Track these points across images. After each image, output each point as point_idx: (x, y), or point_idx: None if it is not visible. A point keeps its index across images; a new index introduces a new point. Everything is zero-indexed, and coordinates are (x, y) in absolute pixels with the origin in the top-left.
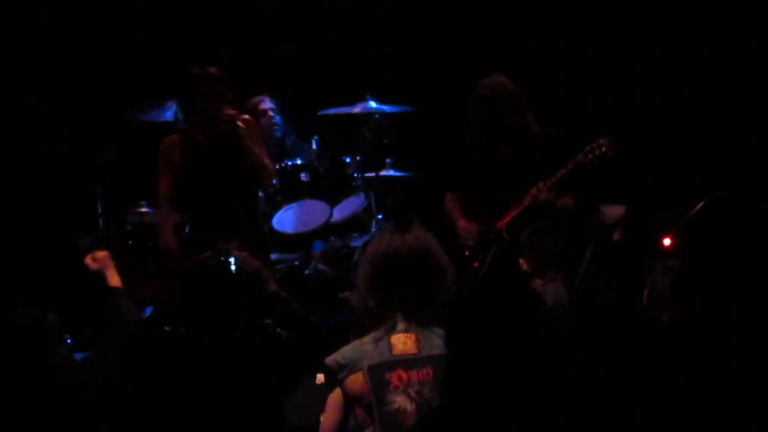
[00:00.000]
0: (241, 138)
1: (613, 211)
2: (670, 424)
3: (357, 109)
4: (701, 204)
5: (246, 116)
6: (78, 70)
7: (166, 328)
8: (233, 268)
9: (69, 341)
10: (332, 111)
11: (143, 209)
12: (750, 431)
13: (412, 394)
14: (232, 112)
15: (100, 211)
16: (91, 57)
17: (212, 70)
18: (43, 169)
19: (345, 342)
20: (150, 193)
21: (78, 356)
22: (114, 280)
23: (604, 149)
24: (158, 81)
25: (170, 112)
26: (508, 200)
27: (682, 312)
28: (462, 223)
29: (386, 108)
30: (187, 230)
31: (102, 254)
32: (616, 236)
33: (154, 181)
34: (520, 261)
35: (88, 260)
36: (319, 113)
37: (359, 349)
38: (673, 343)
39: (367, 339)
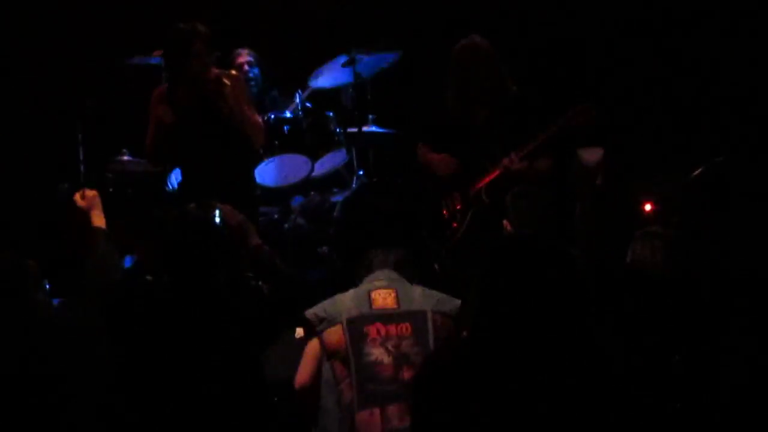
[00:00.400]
0: (227, 98)
1: (591, 155)
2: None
3: (341, 77)
4: (701, 169)
5: (233, 72)
6: (62, 11)
7: (148, 278)
8: (217, 220)
9: (47, 287)
10: (319, 82)
11: (125, 157)
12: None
13: (390, 347)
14: (216, 70)
15: (81, 157)
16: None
17: (200, 27)
18: (25, 112)
19: (323, 297)
20: (133, 142)
21: (56, 302)
22: (99, 220)
23: (583, 120)
24: (146, 25)
25: (157, 59)
26: (485, 163)
27: (676, 272)
28: (436, 156)
29: (369, 59)
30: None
31: (91, 193)
32: (598, 181)
33: (139, 129)
34: (504, 222)
35: (77, 197)
36: (310, 85)
37: (339, 302)
38: (667, 298)
39: (348, 293)
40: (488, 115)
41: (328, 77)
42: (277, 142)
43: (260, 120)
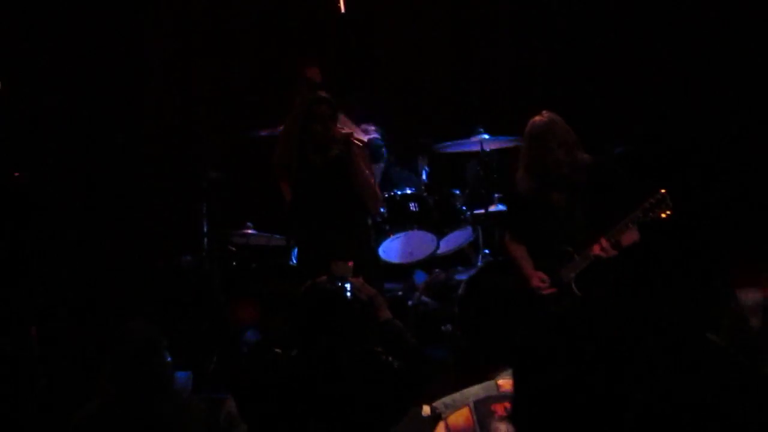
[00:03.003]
0: (354, 158)
1: (750, 295)
2: None
3: (469, 145)
4: None
5: (362, 137)
6: (189, 85)
7: (277, 350)
8: (348, 294)
9: (169, 359)
10: (448, 145)
11: (249, 231)
12: None
13: None
14: (346, 130)
15: (204, 230)
16: (202, 72)
17: (323, 93)
18: (151, 186)
19: (446, 375)
20: (257, 215)
21: (179, 374)
22: None
23: (663, 210)
24: (269, 97)
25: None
26: (568, 249)
27: None
28: (535, 280)
29: (498, 139)
30: (293, 254)
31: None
32: (754, 323)
33: (263, 202)
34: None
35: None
36: (435, 146)
37: (466, 391)
38: None
39: (475, 387)
40: (566, 196)
41: (455, 148)
42: (403, 219)
43: (378, 190)
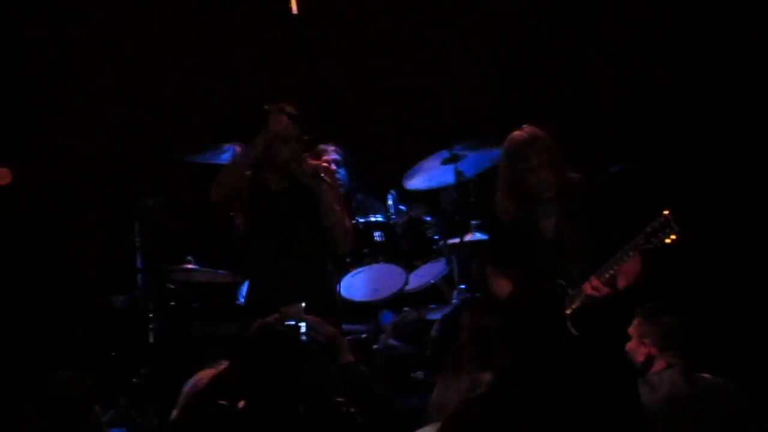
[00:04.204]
0: (324, 194)
1: None
2: None
3: (443, 179)
4: None
5: (330, 167)
6: (120, 102)
7: (222, 402)
8: (303, 335)
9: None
10: (415, 182)
11: (190, 266)
12: None
13: None
14: (315, 161)
15: (139, 265)
16: (135, 87)
17: (288, 108)
18: (77, 214)
19: (416, 428)
20: (200, 249)
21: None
22: None
23: (667, 234)
24: (213, 117)
25: (227, 155)
26: (559, 279)
27: None
28: None
29: (472, 156)
30: (243, 292)
31: None
32: None
33: (206, 234)
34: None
35: None
36: (405, 186)
37: None
38: None
39: (429, 427)
40: (555, 223)
41: (426, 177)
42: (367, 250)
43: (350, 223)
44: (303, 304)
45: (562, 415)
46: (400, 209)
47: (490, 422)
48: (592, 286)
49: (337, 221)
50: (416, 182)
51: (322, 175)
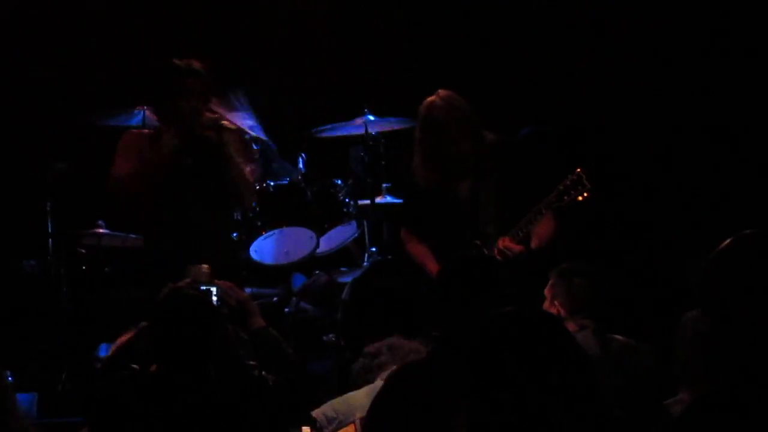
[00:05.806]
0: (226, 146)
1: None
2: None
3: (352, 128)
4: (724, 244)
5: (232, 123)
6: (27, 65)
7: (134, 366)
8: (214, 299)
9: (10, 378)
10: (327, 129)
11: (101, 230)
12: None
13: None
14: (216, 114)
15: (50, 230)
16: (44, 50)
17: (196, 64)
18: None
19: (328, 390)
20: (111, 213)
21: (20, 396)
22: None
23: (580, 192)
24: (123, 81)
25: (138, 118)
26: (475, 243)
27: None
28: (431, 265)
29: (386, 121)
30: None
31: None
32: None
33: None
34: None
35: None
36: (313, 131)
37: (352, 401)
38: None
39: (362, 391)
40: (471, 184)
41: (336, 131)
42: (277, 213)
43: (253, 179)
44: (207, 267)
45: (504, 384)
46: (311, 174)
47: (429, 390)
48: (503, 246)
49: (240, 173)
50: (326, 133)
51: (224, 126)
